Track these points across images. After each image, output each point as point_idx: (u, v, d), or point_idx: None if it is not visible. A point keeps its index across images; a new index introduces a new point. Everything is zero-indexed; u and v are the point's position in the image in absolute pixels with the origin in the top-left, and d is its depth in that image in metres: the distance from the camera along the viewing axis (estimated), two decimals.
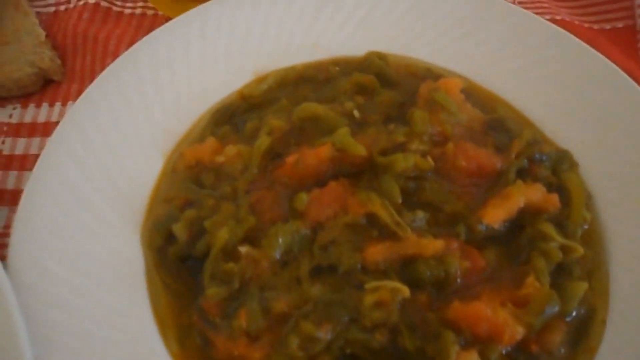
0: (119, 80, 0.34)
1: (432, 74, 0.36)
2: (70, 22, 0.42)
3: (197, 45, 0.36)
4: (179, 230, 0.30)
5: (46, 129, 0.38)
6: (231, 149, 0.32)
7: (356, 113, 0.34)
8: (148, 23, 0.43)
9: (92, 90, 0.33)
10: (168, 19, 0.42)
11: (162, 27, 0.35)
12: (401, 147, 0.32)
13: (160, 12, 0.43)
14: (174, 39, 0.35)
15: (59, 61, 0.40)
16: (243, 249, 0.29)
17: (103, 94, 0.33)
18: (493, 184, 0.32)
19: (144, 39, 0.35)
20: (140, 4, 0.44)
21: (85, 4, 0.43)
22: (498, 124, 0.34)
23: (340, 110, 0.34)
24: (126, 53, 0.34)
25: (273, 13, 0.37)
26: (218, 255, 0.29)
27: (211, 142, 0.33)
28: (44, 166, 0.30)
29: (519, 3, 0.43)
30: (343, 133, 0.31)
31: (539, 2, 0.44)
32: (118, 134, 0.32)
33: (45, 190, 0.30)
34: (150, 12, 0.44)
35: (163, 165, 0.33)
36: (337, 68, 0.36)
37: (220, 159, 0.32)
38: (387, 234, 0.30)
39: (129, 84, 0.34)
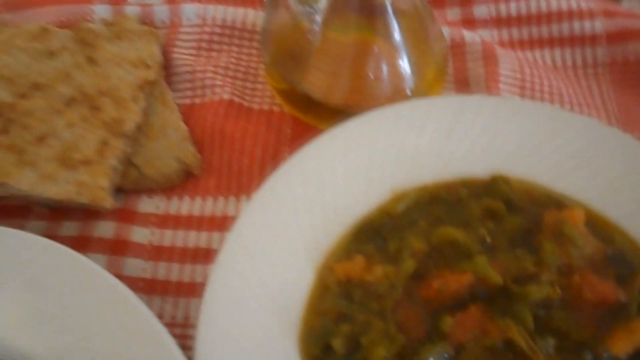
0: (275, 197, 0.37)
1: (551, 199, 0.40)
2: (207, 117, 0.45)
3: (341, 163, 0.39)
4: (338, 344, 0.33)
5: (189, 222, 0.42)
6: (378, 269, 0.36)
7: (487, 238, 0.38)
8: (276, 121, 0.46)
9: (252, 206, 0.36)
10: (293, 117, 0.46)
11: (310, 145, 0.39)
12: (533, 277, 0.36)
13: (286, 110, 0.47)
14: (320, 156, 0.39)
15: (199, 156, 0.43)
16: None
17: (262, 210, 0.36)
18: (615, 314, 0.35)
19: (295, 156, 0.38)
20: (267, 99, 0.48)
21: (220, 100, 0.46)
22: (619, 255, 0.38)
23: (474, 235, 0.37)
24: (280, 170, 0.38)
25: (409, 135, 0.40)
26: None
27: (360, 260, 0.36)
28: (217, 279, 0.34)
29: None
30: (482, 263, 0.35)
31: None
32: (276, 249, 0.36)
33: (220, 303, 0.33)
34: (276, 109, 0.47)
35: (314, 279, 0.36)
36: (466, 190, 0.40)
37: (369, 277, 0.36)
38: (522, 358, 0.34)
39: (284, 200, 0.37)
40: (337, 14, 0.41)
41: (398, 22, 0.41)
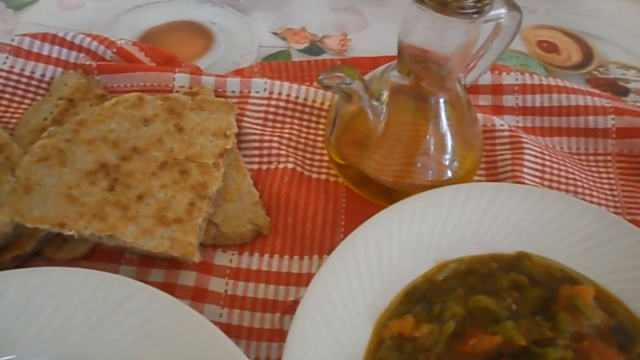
0: (343, 262, 0.44)
1: (566, 276, 0.47)
2: (274, 184, 0.53)
3: (395, 236, 0.46)
4: None
5: (259, 276, 0.49)
6: (425, 328, 0.43)
7: (514, 307, 0.45)
8: (332, 190, 0.53)
9: (325, 269, 0.44)
10: (346, 187, 0.54)
11: (371, 220, 0.46)
12: (550, 341, 0.43)
13: (340, 179, 0.55)
14: (379, 230, 0.46)
15: (268, 218, 0.51)
16: None
17: (333, 272, 0.44)
18: None
19: (359, 229, 0.46)
20: (324, 170, 0.55)
21: (285, 168, 0.54)
22: (621, 326, 0.45)
23: (502, 303, 0.45)
24: (346, 240, 0.45)
25: (450, 215, 0.48)
26: None
27: (409, 319, 0.44)
28: (297, 328, 0.41)
29: None
30: (509, 327, 0.43)
31: None
32: (343, 306, 0.43)
33: (300, 350, 0.41)
34: (332, 179, 0.55)
35: (372, 333, 0.44)
36: (496, 264, 0.47)
37: (417, 334, 0.43)
38: None
39: (350, 265, 0.44)
40: (396, 107, 0.49)
41: (446, 112, 0.49)
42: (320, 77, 0.44)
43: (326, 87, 0.44)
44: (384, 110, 0.48)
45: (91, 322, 0.40)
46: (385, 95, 0.48)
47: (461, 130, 0.51)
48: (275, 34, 0.69)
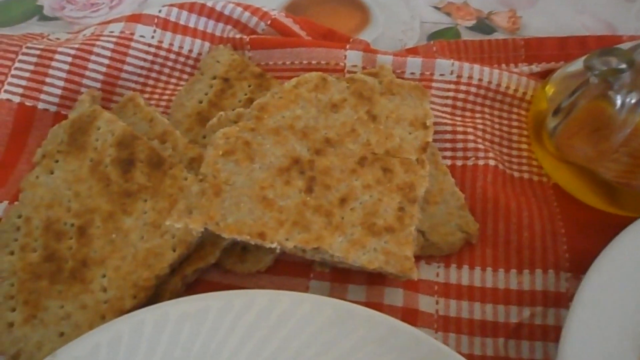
0: (603, 281, 0.37)
1: None
2: (477, 184, 0.45)
3: None
4: None
5: (471, 294, 0.42)
6: None
7: None
8: (540, 192, 0.46)
9: (585, 289, 0.36)
10: (555, 185, 0.46)
11: (629, 230, 0.39)
12: None
13: (544, 179, 0.47)
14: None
15: (477, 225, 0.43)
16: None
17: (594, 293, 0.37)
18: None
19: (615, 241, 0.38)
20: (525, 167, 0.47)
21: (486, 165, 0.46)
22: None
23: None
24: (603, 255, 0.38)
25: None
26: None
27: None
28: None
29: None
30: None
31: None
32: (606, 335, 0.36)
33: None
34: (535, 178, 0.47)
35: None
36: None
37: None
38: None
39: (612, 285, 0.37)
40: None
41: None
42: (585, 59, 0.36)
43: (589, 69, 0.36)
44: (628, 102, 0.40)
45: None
46: None
47: None
48: (437, 8, 0.60)
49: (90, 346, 0.33)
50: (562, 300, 0.41)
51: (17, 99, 0.47)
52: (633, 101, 0.39)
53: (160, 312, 0.34)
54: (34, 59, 0.48)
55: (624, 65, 0.35)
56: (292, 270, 0.42)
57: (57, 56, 0.48)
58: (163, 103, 0.50)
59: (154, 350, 0.34)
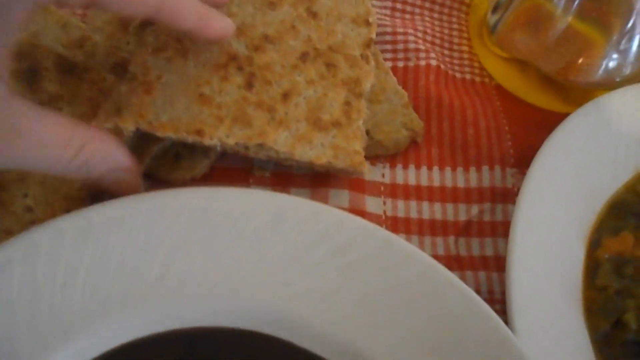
0: (547, 177, 0.37)
1: None
2: (419, 83, 0.44)
3: (592, 143, 0.39)
4: (631, 319, 0.35)
5: (419, 193, 0.41)
6: None
7: None
8: (482, 91, 0.45)
9: (529, 183, 0.36)
10: (497, 86, 0.46)
11: (563, 125, 0.39)
12: None
13: (485, 80, 0.46)
14: (575, 136, 0.39)
15: (422, 123, 0.42)
16: None
17: (538, 186, 0.36)
18: None
19: (553, 136, 0.38)
20: (467, 69, 0.47)
21: (427, 65, 0.45)
22: None
23: None
24: (543, 149, 0.38)
25: None
26: None
27: (628, 237, 0.37)
28: (515, 253, 0.34)
29: None
30: None
31: None
32: (555, 229, 0.36)
33: (522, 278, 0.33)
34: (477, 79, 0.46)
35: (584, 252, 0.37)
36: None
37: (638, 252, 0.37)
38: None
39: (553, 178, 0.37)
40: None
41: None
42: None
43: None
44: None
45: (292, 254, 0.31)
46: None
47: None
48: None
49: (1, 262, 0.28)
50: (509, 196, 0.41)
51: None
52: None
53: (82, 218, 0.30)
54: None
55: None
56: (229, 176, 0.39)
57: None
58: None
59: (78, 263, 0.29)
